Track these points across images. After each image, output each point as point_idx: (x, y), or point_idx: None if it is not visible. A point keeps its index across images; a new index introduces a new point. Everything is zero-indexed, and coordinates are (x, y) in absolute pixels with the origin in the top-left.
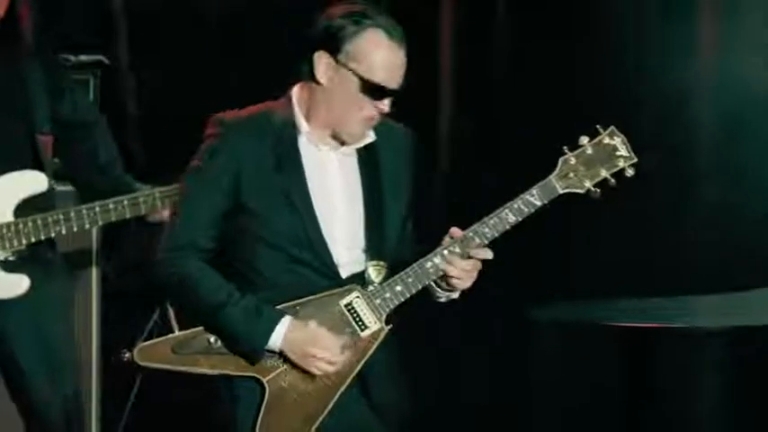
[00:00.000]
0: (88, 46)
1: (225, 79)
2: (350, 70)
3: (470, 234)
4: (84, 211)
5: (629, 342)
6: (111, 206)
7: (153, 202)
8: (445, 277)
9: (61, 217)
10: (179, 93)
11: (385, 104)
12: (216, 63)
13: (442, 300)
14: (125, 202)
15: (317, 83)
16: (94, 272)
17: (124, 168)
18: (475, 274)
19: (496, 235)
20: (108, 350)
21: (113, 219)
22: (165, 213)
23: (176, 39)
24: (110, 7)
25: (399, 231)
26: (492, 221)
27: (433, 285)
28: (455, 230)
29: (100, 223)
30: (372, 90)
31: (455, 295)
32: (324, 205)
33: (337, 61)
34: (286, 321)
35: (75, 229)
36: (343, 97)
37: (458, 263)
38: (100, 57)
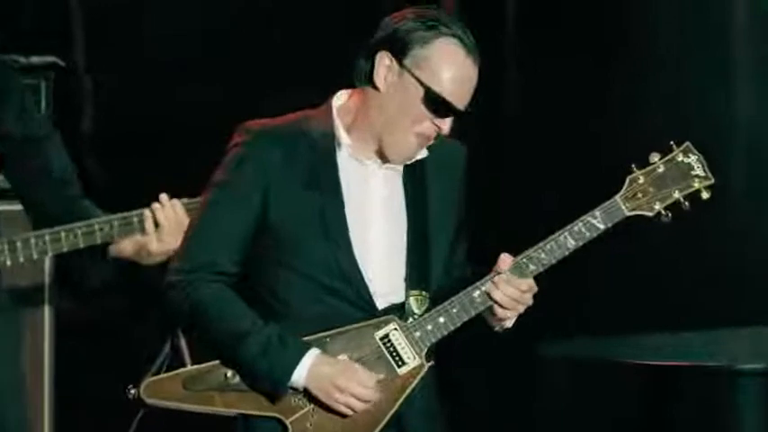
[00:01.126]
0: (41, 47)
1: (191, 83)
2: (415, 78)
3: (524, 260)
4: (33, 240)
5: (648, 380)
6: (62, 234)
7: (110, 231)
8: (492, 306)
9: (5, 246)
10: (140, 100)
11: (446, 124)
12: (181, 66)
13: (497, 329)
14: (78, 231)
15: (374, 87)
16: (47, 309)
17: (82, 191)
18: (525, 303)
19: (553, 262)
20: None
21: (65, 249)
22: (126, 246)
23: (136, 39)
24: (65, 4)
25: (446, 259)
26: (549, 246)
27: (486, 314)
28: (505, 258)
29: (50, 254)
30: (436, 104)
31: (509, 324)
32: (361, 227)
33: (402, 65)
34: (313, 354)
35: (21, 260)
36: (400, 107)
37: (505, 289)
38: (53, 59)
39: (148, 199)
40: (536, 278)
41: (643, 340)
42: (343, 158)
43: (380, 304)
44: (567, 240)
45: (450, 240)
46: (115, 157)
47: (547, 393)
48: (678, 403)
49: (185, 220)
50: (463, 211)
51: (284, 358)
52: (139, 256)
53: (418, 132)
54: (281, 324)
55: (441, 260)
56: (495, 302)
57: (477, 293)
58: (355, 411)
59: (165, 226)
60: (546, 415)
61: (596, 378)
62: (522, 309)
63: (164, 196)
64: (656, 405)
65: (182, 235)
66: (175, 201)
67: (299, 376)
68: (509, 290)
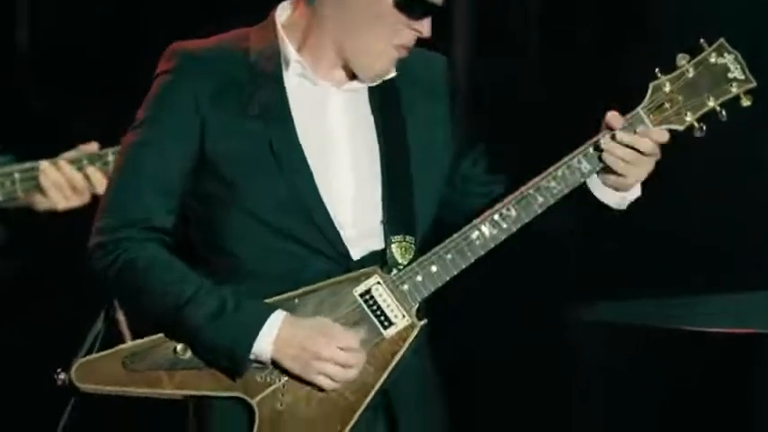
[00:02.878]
0: None
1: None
2: None
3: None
4: None
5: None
6: None
7: (11, 185)
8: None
9: None
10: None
11: (425, 26)
12: None
13: (621, 207)
14: None
15: None
16: None
17: None
18: (651, 162)
19: (565, 191)
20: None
21: None
22: (40, 200)
23: None
24: None
25: (436, 192)
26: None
27: (594, 182)
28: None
29: None
30: (411, 4)
31: (633, 195)
32: (322, 159)
33: None
34: (279, 316)
35: None
36: (366, 15)
37: (617, 148)
38: None
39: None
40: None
41: (692, 304)
42: (292, 80)
43: (356, 253)
44: (582, 164)
45: (443, 172)
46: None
47: (587, 364)
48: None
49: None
50: (462, 130)
51: (243, 323)
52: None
53: (394, 44)
54: (234, 285)
55: (429, 197)
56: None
57: (475, 234)
58: (336, 383)
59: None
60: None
61: (657, 347)
62: (645, 171)
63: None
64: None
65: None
66: (61, 162)
67: (264, 344)
68: (631, 137)
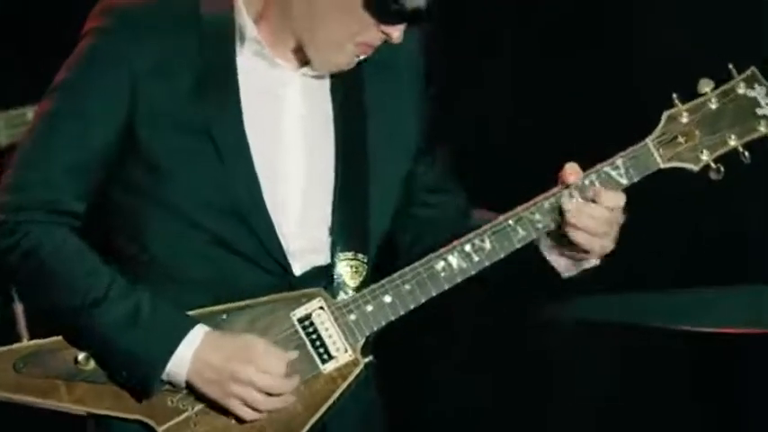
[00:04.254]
0: None
1: None
2: None
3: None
4: None
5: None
6: None
7: None
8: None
9: None
10: None
11: (395, 32)
12: None
13: (571, 274)
14: None
15: None
16: None
17: None
18: (614, 230)
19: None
20: None
21: None
22: None
23: None
24: None
25: (393, 204)
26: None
27: (553, 250)
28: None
29: None
30: (383, 6)
31: (590, 263)
32: (269, 153)
33: None
34: (199, 333)
35: None
36: (336, 3)
37: (582, 207)
38: None
39: None
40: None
41: (666, 300)
42: (246, 57)
43: (298, 267)
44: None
45: (400, 180)
46: None
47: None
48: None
49: None
50: (427, 129)
51: (158, 336)
52: None
53: (358, 42)
54: (152, 288)
55: (386, 209)
56: (573, 226)
57: (440, 265)
58: (259, 414)
59: None
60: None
61: (631, 345)
62: (609, 239)
63: None
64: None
65: None
66: None
67: (180, 363)
68: (595, 209)
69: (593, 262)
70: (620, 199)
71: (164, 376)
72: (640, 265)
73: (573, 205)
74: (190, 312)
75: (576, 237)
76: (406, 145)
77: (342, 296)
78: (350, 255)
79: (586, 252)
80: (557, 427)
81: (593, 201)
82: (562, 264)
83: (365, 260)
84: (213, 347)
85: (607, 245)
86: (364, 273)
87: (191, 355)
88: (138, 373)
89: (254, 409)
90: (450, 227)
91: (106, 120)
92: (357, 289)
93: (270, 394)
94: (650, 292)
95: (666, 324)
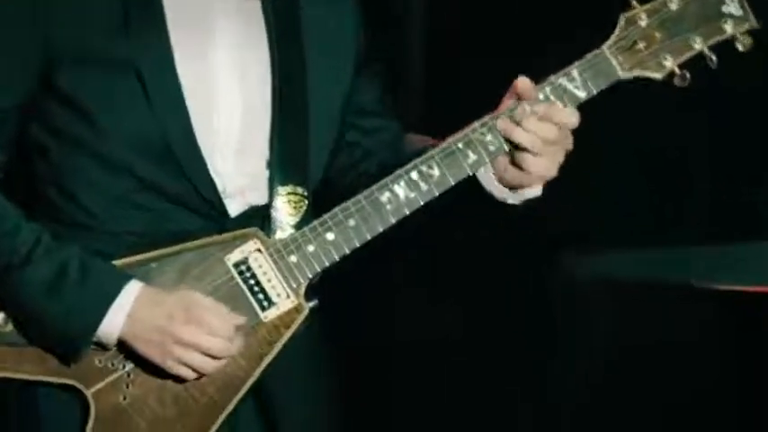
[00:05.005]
0: None
1: None
2: None
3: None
4: None
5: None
6: None
7: None
8: (513, 157)
9: None
10: None
11: None
12: None
13: (509, 201)
14: None
15: None
16: None
17: None
18: (560, 155)
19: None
20: None
21: None
22: None
23: None
24: None
25: (335, 133)
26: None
27: (489, 176)
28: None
29: None
30: None
31: (532, 191)
32: (200, 83)
33: None
34: (133, 288)
35: None
36: None
37: (531, 123)
38: None
39: None
40: None
41: (688, 255)
42: None
43: (233, 208)
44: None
45: (341, 104)
46: None
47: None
48: None
49: None
50: (365, 49)
51: (89, 297)
52: None
53: None
54: (78, 241)
55: (325, 138)
56: (521, 147)
57: (385, 196)
58: (200, 376)
59: None
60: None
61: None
62: (555, 165)
63: None
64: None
65: None
66: None
67: (113, 323)
68: (541, 125)
69: (536, 191)
70: (572, 116)
71: (95, 338)
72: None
73: (527, 122)
74: (116, 262)
75: (522, 158)
76: (344, 67)
77: (280, 235)
78: (289, 188)
79: (528, 176)
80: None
81: (544, 118)
82: (498, 190)
83: (305, 194)
84: (151, 304)
85: (552, 168)
86: (304, 208)
87: (125, 313)
88: (66, 337)
89: (196, 372)
90: (385, 154)
91: (18, 60)
92: (297, 226)
93: (214, 357)
94: (673, 248)
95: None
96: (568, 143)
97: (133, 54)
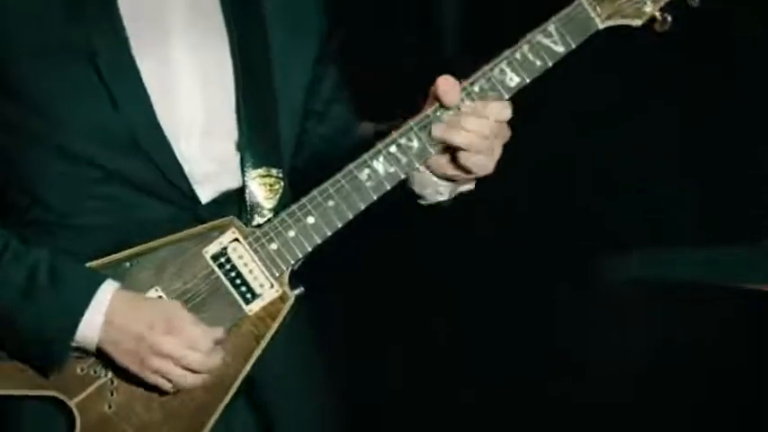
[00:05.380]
0: None
1: None
2: None
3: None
4: None
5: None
6: None
7: None
8: (449, 155)
9: None
10: None
11: None
12: None
13: (433, 200)
14: None
15: None
16: None
17: None
18: (498, 149)
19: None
20: None
21: None
22: None
23: None
24: None
25: (302, 107)
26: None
27: (421, 172)
28: (447, 82)
29: None
30: None
31: (461, 188)
32: (160, 70)
33: None
34: (108, 290)
35: None
36: None
37: (471, 122)
38: None
39: None
40: None
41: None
42: None
43: (204, 194)
44: (505, 72)
45: (309, 76)
46: None
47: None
48: None
49: None
50: (326, 23)
51: (62, 298)
52: None
53: None
54: (47, 242)
55: (294, 114)
56: (456, 146)
57: (365, 173)
58: (181, 385)
59: None
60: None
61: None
62: (492, 162)
63: None
64: None
65: None
66: None
67: (90, 328)
68: (477, 122)
69: (469, 186)
70: (506, 109)
71: (74, 344)
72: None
73: (464, 121)
74: (89, 264)
75: (459, 156)
76: (310, 42)
77: (258, 220)
78: (262, 171)
79: (464, 172)
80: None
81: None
82: (430, 187)
83: (280, 175)
84: (127, 309)
85: (490, 164)
86: (280, 190)
87: (101, 318)
88: (42, 349)
89: (175, 385)
90: (343, 142)
91: None
92: (274, 210)
93: (192, 368)
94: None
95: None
96: (505, 135)
97: (85, 38)
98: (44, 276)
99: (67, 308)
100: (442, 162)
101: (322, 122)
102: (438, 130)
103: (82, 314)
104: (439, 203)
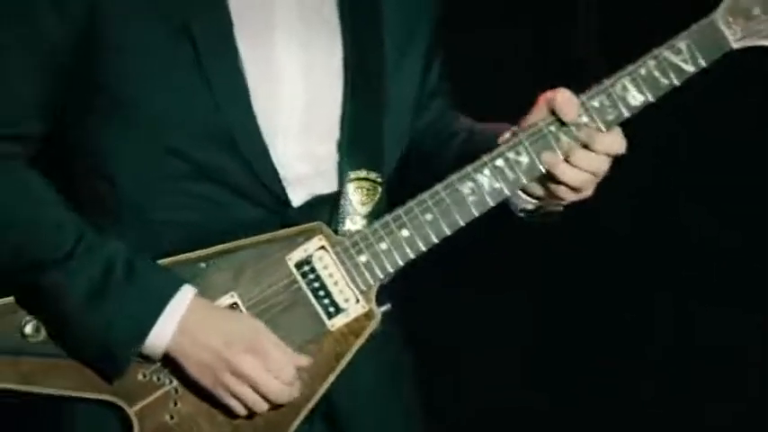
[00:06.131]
0: None
1: None
2: None
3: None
4: None
5: None
6: None
7: None
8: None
9: None
10: None
11: None
12: None
13: (523, 215)
14: None
15: None
16: None
17: None
18: (603, 171)
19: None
20: None
21: None
22: None
23: None
24: None
25: (412, 108)
26: (608, 92)
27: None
28: (563, 95)
29: None
30: None
31: (554, 207)
32: (260, 54)
33: None
34: (184, 299)
35: None
36: None
37: (583, 159)
38: None
39: None
40: None
41: None
42: None
43: (296, 197)
44: (628, 89)
45: (419, 78)
46: None
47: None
48: None
49: None
50: (438, 7)
51: (136, 300)
52: None
53: None
54: (123, 235)
55: (403, 119)
56: (561, 183)
57: (467, 187)
58: (255, 408)
59: None
60: None
61: None
62: (590, 191)
63: None
64: None
65: None
66: None
67: (160, 336)
68: (590, 161)
69: (558, 208)
70: (622, 143)
71: (142, 349)
72: None
73: (575, 158)
74: (163, 261)
75: (556, 189)
76: (422, 37)
77: (349, 227)
78: (361, 173)
79: (555, 198)
80: None
81: (593, 149)
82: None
83: (379, 179)
84: (203, 319)
85: (586, 195)
86: (377, 196)
87: (174, 327)
88: (108, 348)
89: (247, 408)
90: (440, 137)
91: (58, 28)
92: (369, 217)
93: (271, 399)
94: None
95: None
96: (606, 169)
97: (186, 11)
98: (119, 274)
99: (140, 313)
100: (535, 185)
101: (421, 116)
102: (548, 160)
103: (154, 322)
104: (528, 218)
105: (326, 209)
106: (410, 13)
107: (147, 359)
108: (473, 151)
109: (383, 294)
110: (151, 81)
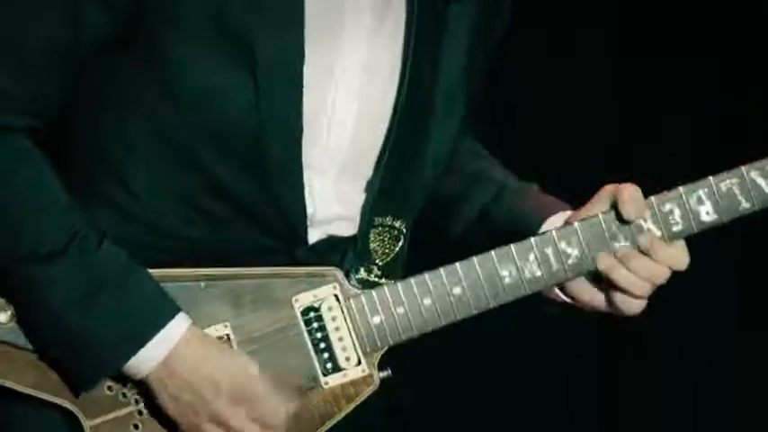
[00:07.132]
0: None
1: None
2: None
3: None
4: None
5: None
6: None
7: None
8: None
9: None
10: None
11: None
12: None
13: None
14: None
15: None
16: None
17: None
18: (663, 280)
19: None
20: None
21: None
22: None
23: None
24: None
25: (448, 156)
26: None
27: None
28: (630, 192)
29: None
30: None
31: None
32: (320, 78)
33: None
34: (178, 328)
35: None
36: None
37: (644, 266)
38: None
39: None
40: None
41: None
42: None
43: (312, 235)
44: (704, 204)
45: (456, 127)
46: None
47: None
48: None
49: None
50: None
51: (127, 319)
52: None
53: None
54: (126, 236)
55: (438, 167)
56: (618, 289)
57: (508, 270)
58: None
59: None
60: None
61: None
62: (644, 301)
63: None
64: None
65: None
66: None
67: (144, 360)
68: (651, 269)
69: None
70: (686, 258)
71: (124, 369)
72: None
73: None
74: (164, 271)
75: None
76: (471, 80)
77: (363, 274)
78: (387, 220)
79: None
80: None
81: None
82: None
83: (404, 229)
84: (195, 357)
85: (637, 310)
86: (397, 247)
87: (162, 355)
88: (83, 362)
89: None
90: (465, 173)
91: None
92: (384, 268)
93: None
94: None
95: None
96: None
97: (254, 28)
98: (114, 281)
99: (129, 333)
100: (582, 285)
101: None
102: (604, 262)
103: (143, 345)
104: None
105: (340, 251)
106: (472, 51)
107: (121, 375)
108: (506, 213)
109: (385, 359)
110: (187, 72)
